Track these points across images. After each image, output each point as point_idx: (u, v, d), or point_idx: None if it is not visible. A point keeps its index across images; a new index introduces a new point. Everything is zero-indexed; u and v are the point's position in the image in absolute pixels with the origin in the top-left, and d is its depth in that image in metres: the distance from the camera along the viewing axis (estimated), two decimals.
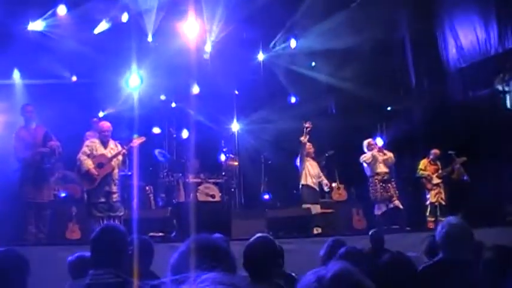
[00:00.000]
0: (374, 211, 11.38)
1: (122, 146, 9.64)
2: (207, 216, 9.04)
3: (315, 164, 11.64)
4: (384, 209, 11.15)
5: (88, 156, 9.38)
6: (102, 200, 9.29)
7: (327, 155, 13.20)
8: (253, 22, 13.30)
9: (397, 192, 11.36)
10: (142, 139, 9.92)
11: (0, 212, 9.28)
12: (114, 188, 9.52)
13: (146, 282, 3.01)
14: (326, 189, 11.75)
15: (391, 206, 11.13)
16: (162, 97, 13.93)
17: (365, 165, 11.52)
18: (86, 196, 11.15)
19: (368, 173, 11.48)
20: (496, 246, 3.76)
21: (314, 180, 11.36)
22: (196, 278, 1.59)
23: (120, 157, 9.59)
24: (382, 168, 11.35)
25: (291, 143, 12.83)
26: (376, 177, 11.30)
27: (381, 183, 11.23)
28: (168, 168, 12.44)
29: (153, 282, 2.65)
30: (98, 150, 9.47)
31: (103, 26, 12.62)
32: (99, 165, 9.36)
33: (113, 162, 9.45)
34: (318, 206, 11.24)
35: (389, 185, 11.27)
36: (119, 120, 11.10)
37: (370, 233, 7.40)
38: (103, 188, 9.35)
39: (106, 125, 9.76)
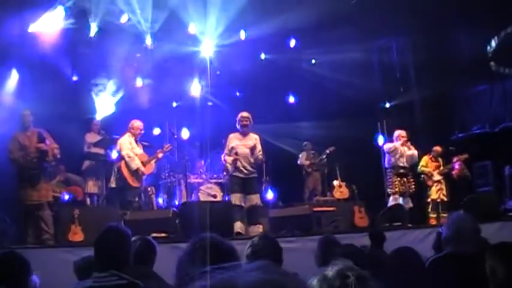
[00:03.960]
0: (388, 203, 11.26)
1: (154, 151, 10.01)
2: (209, 216, 9.01)
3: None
4: (399, 201, 11.07)
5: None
6: (136, 199, 9.41)
7: (328, 151, 13.22)
8: (254, 23, 13.26)
9: (413, 187, 11.33)
10: (170, 146, 10.60)
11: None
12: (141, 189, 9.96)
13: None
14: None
15: (405, 200, 11.07)
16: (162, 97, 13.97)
17: (387, 155, 11.47)
18: (92, 198, 11.27)
19: (387, 164, 11.45)
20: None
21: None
22: (242, 266, 1.51)
23: (153, 161, 9.73)
24: (401, 163, 11.28)
25: (291, 142, 12.81)
26: (392, 170, 11.25)
27: (397, 177, 11.19)
28: (170, 168, 12.42)
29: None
30: (136, 149, 9.56)
31: (101, 26, 12.59)
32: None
33: (151, 164, 9.62)
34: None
35: (404, 179, 11.24)
36: (117, 121, 11.13)
37: (369, 231, 7.37)
38: (141, 187, 9.51)
39: (140, 124, 9.86)
